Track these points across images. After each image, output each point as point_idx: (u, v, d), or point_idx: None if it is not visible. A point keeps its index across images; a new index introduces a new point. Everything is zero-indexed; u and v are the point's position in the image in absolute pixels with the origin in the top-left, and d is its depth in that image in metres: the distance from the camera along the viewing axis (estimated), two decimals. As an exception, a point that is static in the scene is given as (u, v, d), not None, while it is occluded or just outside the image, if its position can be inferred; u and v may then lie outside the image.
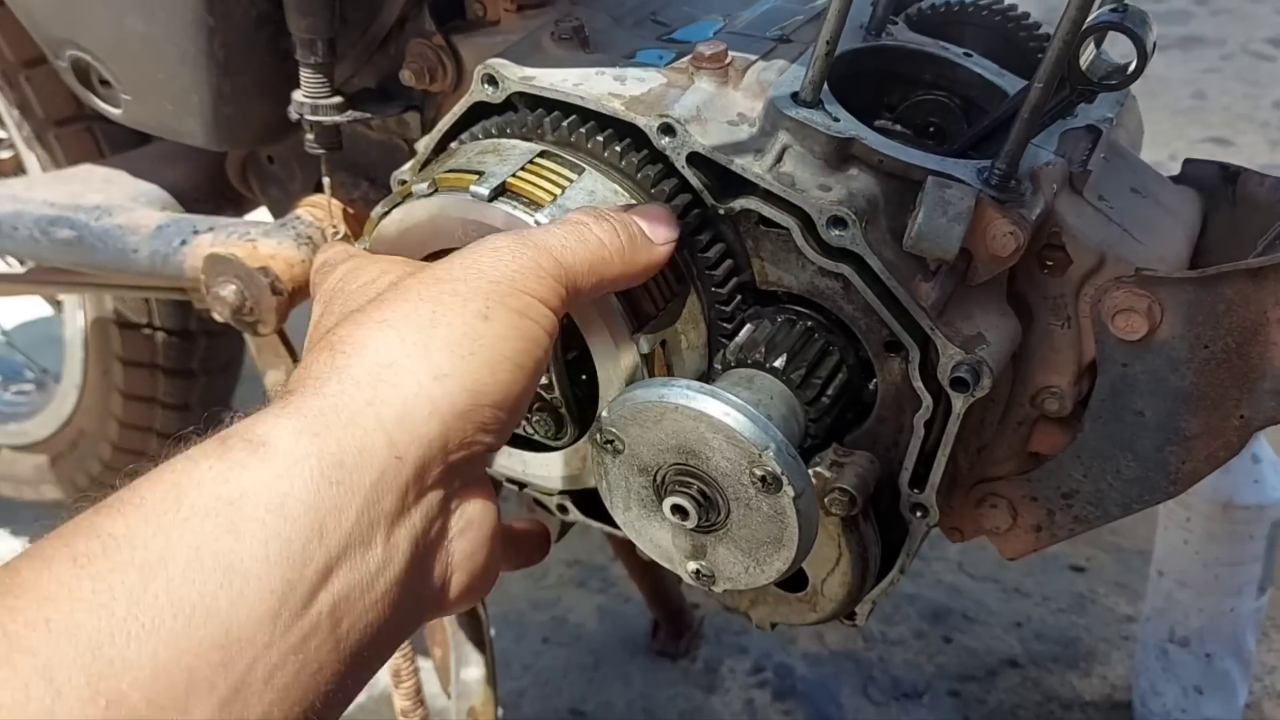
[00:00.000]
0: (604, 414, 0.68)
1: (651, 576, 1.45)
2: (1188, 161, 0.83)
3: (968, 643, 1.47)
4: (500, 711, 1.10)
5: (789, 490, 0.63)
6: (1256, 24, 3.29)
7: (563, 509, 0.87)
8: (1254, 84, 3.04)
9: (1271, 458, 1.19)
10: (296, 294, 0.90)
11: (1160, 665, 1.28)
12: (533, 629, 1.54)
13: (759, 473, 0.63)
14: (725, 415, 0.62)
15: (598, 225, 0.64)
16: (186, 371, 1.34)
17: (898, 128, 0.83)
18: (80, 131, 1.16)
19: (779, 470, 0.62)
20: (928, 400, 0.72)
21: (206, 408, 1.40)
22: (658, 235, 0.67)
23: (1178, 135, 2.82)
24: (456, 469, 0.55)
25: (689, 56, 0.77)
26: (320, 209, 0.93)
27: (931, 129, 0.82)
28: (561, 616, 1.56)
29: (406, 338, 0.54)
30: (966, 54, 0.81)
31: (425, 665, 1.18)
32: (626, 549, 1.32)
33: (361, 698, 0.52)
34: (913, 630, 1.50)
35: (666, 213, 0.69)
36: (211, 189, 1.05)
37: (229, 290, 0.89)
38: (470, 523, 0.57)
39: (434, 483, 0.53)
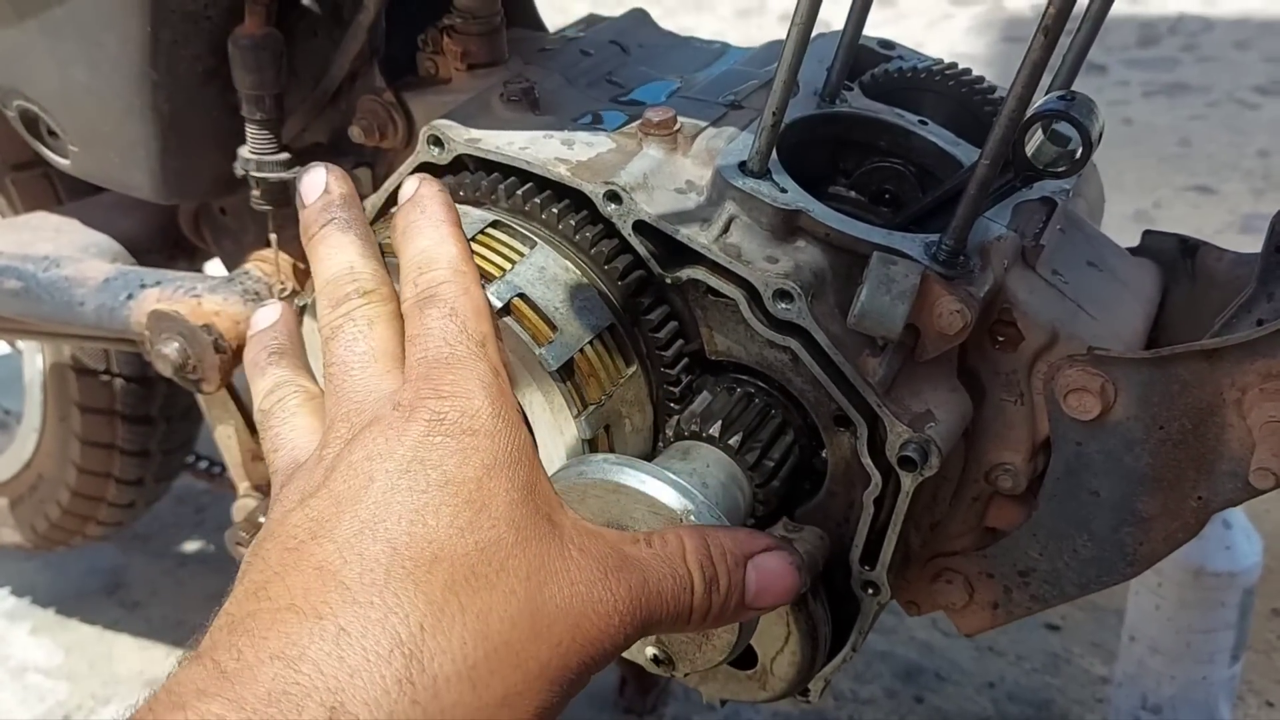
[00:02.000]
0: None
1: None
2: (1147, 233, 0.81)
3: (939, 703, 1.44)
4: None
5: None
6: (1243, 72, 3.31)
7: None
8: (1239, 132, 3.05)
9: (1243, 524, 1.17)
10: (240, 352, 0.88)
11: (1133, 732, 1.26)
12: (498, 682, 1.51)
13: None
14: (642, 484, 0.61)
15: (699, 596, 0.53)
16: (145, 418, 1.32)
17: (853, 194, 0.82)
18: (38, 177, 1.15)
19: None
20: (876, 477, 0.70)
21: (166, 454, 1.38)
22: (760, 600, 0.57)
23: (1163, 182, 2.81)
24: None
25: (638, 122, 0.75)
26: (270, 264, 0.91)
27: (887, 196, 0.81)
28: (527, 669, 1.53)
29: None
30: (922, 121, 0.80)
31: None
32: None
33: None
34: (884, 689, 1.47)
35: (788, 577, 0.58)
36: (164, 239, 1.03)
37: (172, 348, 0.87)
38: None
39: None
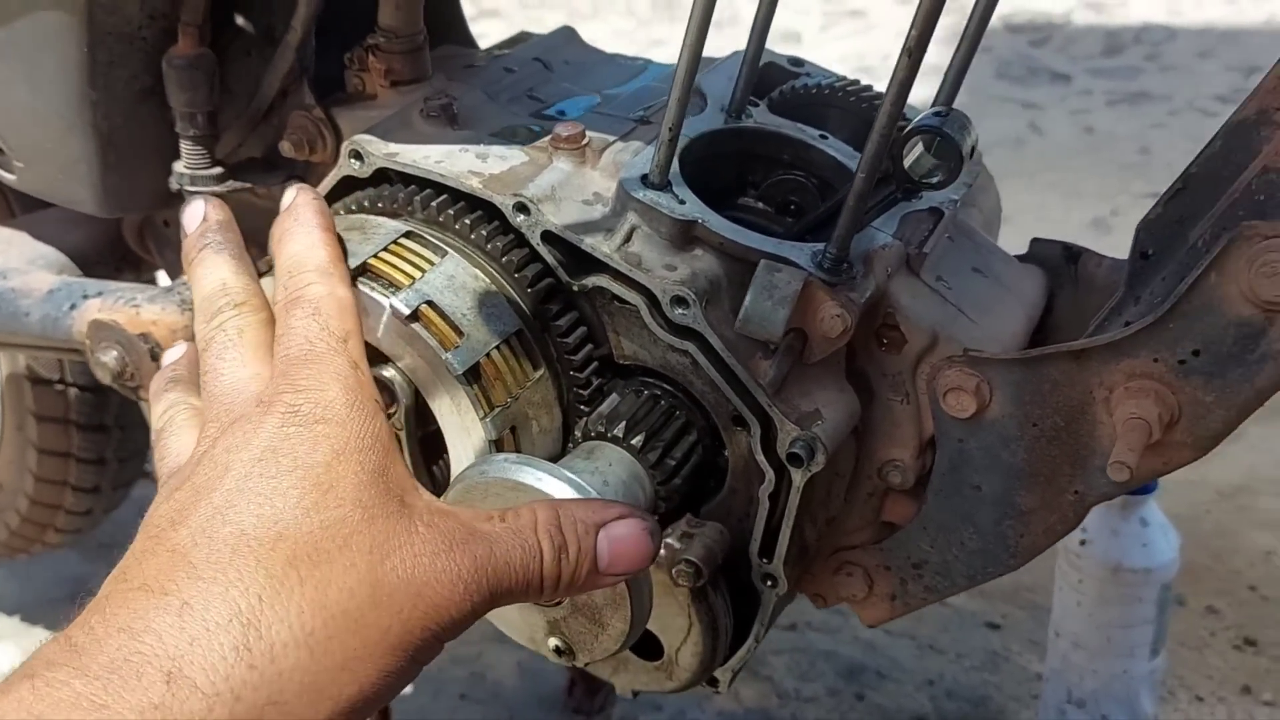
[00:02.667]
0: (442, 499, 0.69)
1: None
2: (1034, 241, 0.86)
3: (879, 700, 1.48)
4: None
5: None
6: (1203, 81, 3.36)
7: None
8: (1199, 140, 3.07)
9: (1160, 521, 1.21)
10: (178, 359, 0.92)
11: (1061, 726, 1.30)
12: (451, 685, 1.54)
13: None
14: (539, 481, 0.64)
15: (549, 563, 0.56)
16: (100, 427, 1.35)
17: (760, 206, 0.86)
18: (-10, 191, 1.18)
19: None
20: (770, 474, 0.74)
21: (122, 462, 1.41)
22: (613, 567, 0.59)
23: (1122, 190, 2.87)
24: None
25: (548, 137, 0.79)
26: (208, 274, 0.95)
27: (792, 207, 0.85)
28: (480, 673, 1.56)
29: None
30: (823, 136, 0.84)
31: None
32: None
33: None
34: (826, 687, 1.50)
35: (641, 544, 0.59)
36: (110, 252, 1.07)
37: (110, 356, 0.90)
38: None
39: None
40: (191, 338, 0.92)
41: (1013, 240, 0.89)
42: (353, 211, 0.81)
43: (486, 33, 1.33)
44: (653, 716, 1.48)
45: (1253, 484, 1.85)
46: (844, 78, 0.90)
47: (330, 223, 0.64)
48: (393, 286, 0.73)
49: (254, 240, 0.97)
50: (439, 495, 0.73)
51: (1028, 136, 3.11)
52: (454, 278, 0.74)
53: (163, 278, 1.10)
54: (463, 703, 1.52)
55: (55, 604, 1.77)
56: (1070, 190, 2.85)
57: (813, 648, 1.56)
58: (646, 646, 0.80)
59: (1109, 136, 3.14)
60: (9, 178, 0.96)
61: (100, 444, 1.36)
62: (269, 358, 0.58)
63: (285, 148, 0.88)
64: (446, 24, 0.98)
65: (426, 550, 0.51)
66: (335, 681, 0.47)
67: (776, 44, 0.87)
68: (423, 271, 0.74)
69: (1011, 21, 3.69)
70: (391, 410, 0.73)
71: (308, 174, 0.91)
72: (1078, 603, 1.22)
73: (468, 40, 1.02)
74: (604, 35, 3.47)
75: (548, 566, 0.56)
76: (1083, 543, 1.21)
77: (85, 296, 0.95)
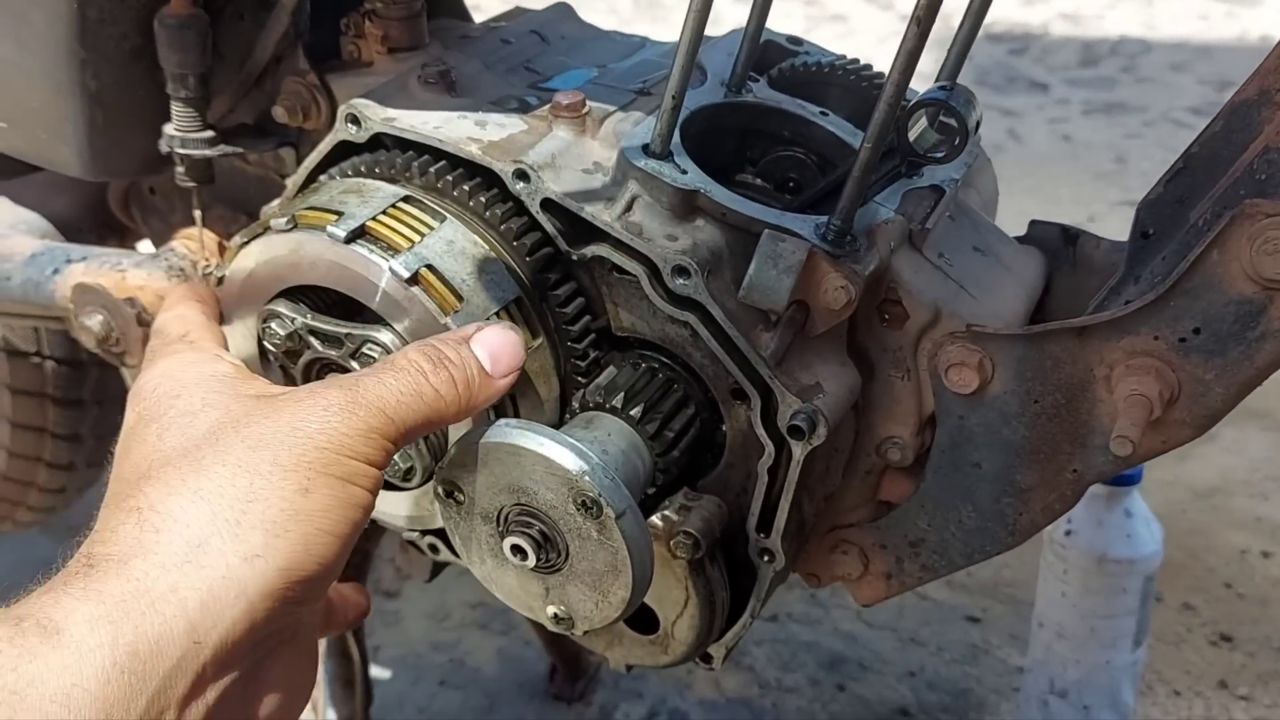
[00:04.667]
0: (440, 463, 0.68)
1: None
2: (1033, 223, 0.86)
3: (860, 691, 1.48)
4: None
5: (609, 511, 0.64)
6: (1178, 93, 3.41)
7: (433, 548, 0.87)
8: (1173, 150, 3.11)
9: (1144, 513, 1.21)
10: (164, 326, 0.90)
11: (1040, 716, 1.30)
12: (430, 671, 1.52)
13: (579, 498, 0.64)
14: (540, 446, 0.64)
15: (435, 375, 0.61)
16: (77, 401, 1.32)
17: (759, 182, 0.85)
18: (-29, 157, 1.15)
19: (596, 492, 0.64)
20: (770, 447, 0.73)
21: (99, 439, 1.38)
22: (499, 368, 0.64)
23: (1097, 197, 2.90)
24: (262, 641, 0.54)
25: (548, 105, 0.79)
26: (195, 241, 0.93)
27: (791, 184, 0.84)
28: (460, 659, 1.54)
29: (220, 513, 0.53)
30: (823, 113, 0.83)
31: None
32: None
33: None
34: (808, 678, 1.50)
35: (511, 340, 0.65)
36: (94, 219, 1.05)
37: (95, 320, 0.88)
38: (277, 680, 0.57)
39: (234, 659, 0.53)
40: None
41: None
42: (349, 177, 0.80)
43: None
44: (634, 704, 1.47)
45: (1227, 485, 1.87)
46: (844, 56, 0.90)
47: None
48: (391, 249, 0.72)
49: (243, 208, 0.96)
50: (437, 464, 0.72)
51: (1006, 144, 3.14)
52: (453, 243, 0.73)
53: (147, 247, 1.07)
54: (442, 689, 1.50)
55: (24, 587, 1.73)
56: (1048, 197, 2.88)
57: (794, 639, 1.55)
58: (642, 621, 0.79)
59: (1085, 145, 3.18)
60: (-9, 139, 0.94)
61: (77, 420, 1.33)
62: None
63: (278, 113, 0.86)
64: (443, -4, 0.97)
65: (318, 412, 0.57)
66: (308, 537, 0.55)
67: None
68: (422, 236, 0.73)
69: (991, 30, 3.72)
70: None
71: (300, 142, 0.90)
72: (1062, 593, 1.22)
73: (463, 14, 1.01)
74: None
75: (437, 382, 0.61)
76: (1068, 533, 1.22)
77: (69, 261, 0.93)
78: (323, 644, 1.07)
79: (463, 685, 1.50)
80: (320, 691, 1.04)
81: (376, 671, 1.48)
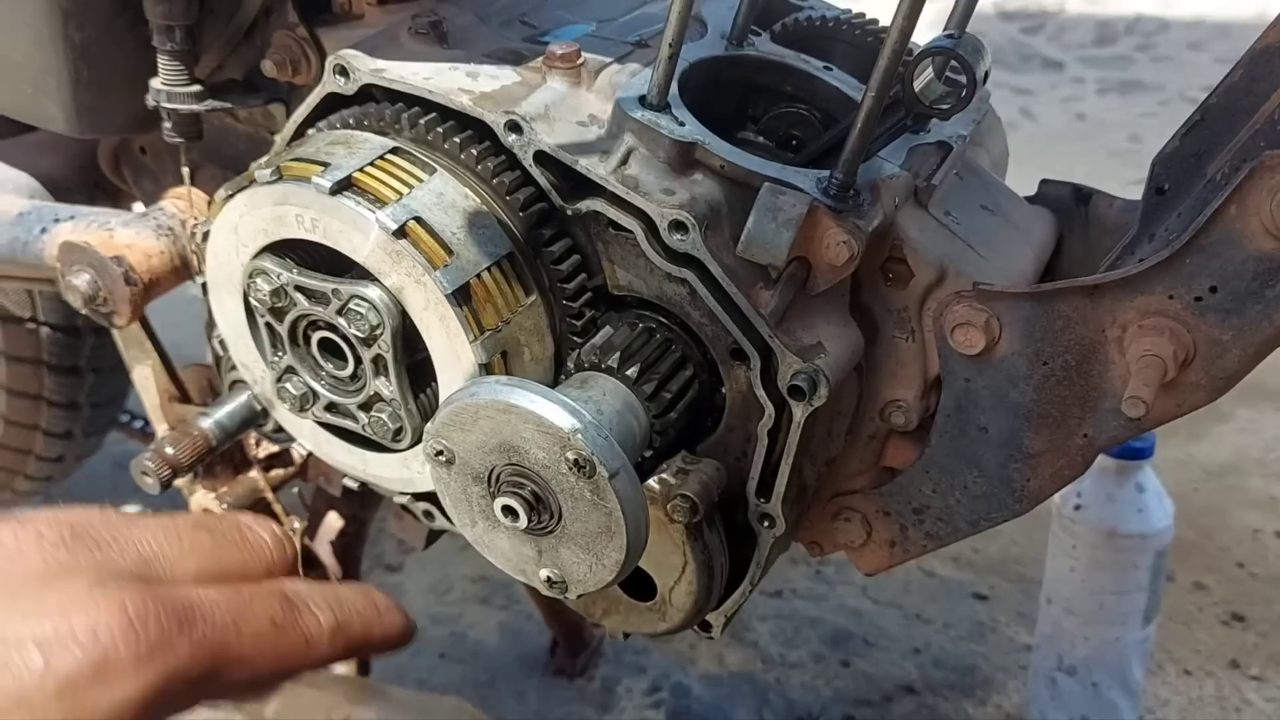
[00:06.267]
0: (430, 423, 0.66)
1: (549, 593, 1.42)
2: (1043, 182, 0.83)
3: (866, 667, 1.46)
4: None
5: (603, 470, 0.62)
6: (1194, 72, 3.36)
7: (428, 515, 0.85)
8: (1190, 128, 3.10)
9: (1156, 488, 1.19)
10: (153, 286, 0.88)
11: (1049, 694, 1.28)
12: (431, 644, 1.51)
13: (572, 457, 0.62)
14: (531, 403, 0.61)
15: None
16: (73, 369, 1.31)
17: (760, 139, 0.83)
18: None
19: (589, 451, 0.61)
20: (769, 409, 0.71)
21: (95, 407, 1.37)
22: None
23: (1112, 176, 2.86)
24: None
25: (542, 56, 0.76)
26: (185, 200, 0.91)
27: (793, 141, 0.82)
28: (461, 633, 1.53)
29: None
30: (826, 67, 0.81)
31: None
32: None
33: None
34: (812, 654, 1.48)
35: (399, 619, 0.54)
36: (84, 179, 1.03)
37: (82, 279, 0.86)
38: None
39: None
40: (168, 262, 0.89)
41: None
42: (337, 129, 0.78)
43: None
44: (636, 679, 1.45)
45: (1241, 464, 1.84)
46: (849, 11, 0.87)
47: None
48: (379, 202, 0.70)
49: (232, 166, 0.94)
50: (425, 421, 0.69)
51: (1020, 122, 3.10)
52: (443, 195, 0.71)
53: (138, 209, 1.05)
54: (442, 662, 1.49)
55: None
56: (1061, 174, 2.81)
57: (799, 614, 1.53)
58: (639, 587, 0.77)
59: (1100, 124, 3.14)
60: (-23, 95, 0.92)
61: (73, 387, 1.32)
62: None
63: (268, 67, 0.84)
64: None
65: None
66: None
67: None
68: (410, 188, 0.71)
69: (1005, 9, 3.67)
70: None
71: (290, 96, 0.88)
72: (1071, 568, 1.20)
73: (460, -32, 0.98)
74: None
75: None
76: (1077, 508, 1.19)
77: (57, 220, 0.91)
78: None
79: (463, 659, 1.49)
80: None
81: (376, 644, 1.47)
